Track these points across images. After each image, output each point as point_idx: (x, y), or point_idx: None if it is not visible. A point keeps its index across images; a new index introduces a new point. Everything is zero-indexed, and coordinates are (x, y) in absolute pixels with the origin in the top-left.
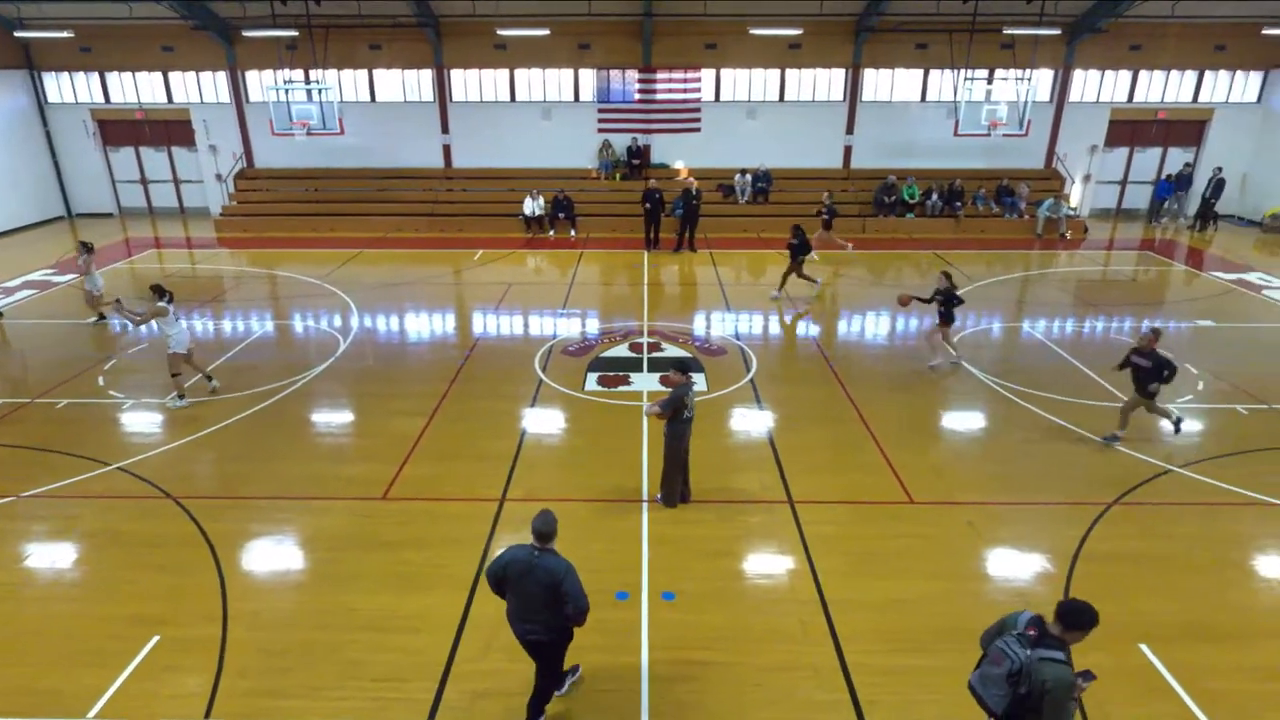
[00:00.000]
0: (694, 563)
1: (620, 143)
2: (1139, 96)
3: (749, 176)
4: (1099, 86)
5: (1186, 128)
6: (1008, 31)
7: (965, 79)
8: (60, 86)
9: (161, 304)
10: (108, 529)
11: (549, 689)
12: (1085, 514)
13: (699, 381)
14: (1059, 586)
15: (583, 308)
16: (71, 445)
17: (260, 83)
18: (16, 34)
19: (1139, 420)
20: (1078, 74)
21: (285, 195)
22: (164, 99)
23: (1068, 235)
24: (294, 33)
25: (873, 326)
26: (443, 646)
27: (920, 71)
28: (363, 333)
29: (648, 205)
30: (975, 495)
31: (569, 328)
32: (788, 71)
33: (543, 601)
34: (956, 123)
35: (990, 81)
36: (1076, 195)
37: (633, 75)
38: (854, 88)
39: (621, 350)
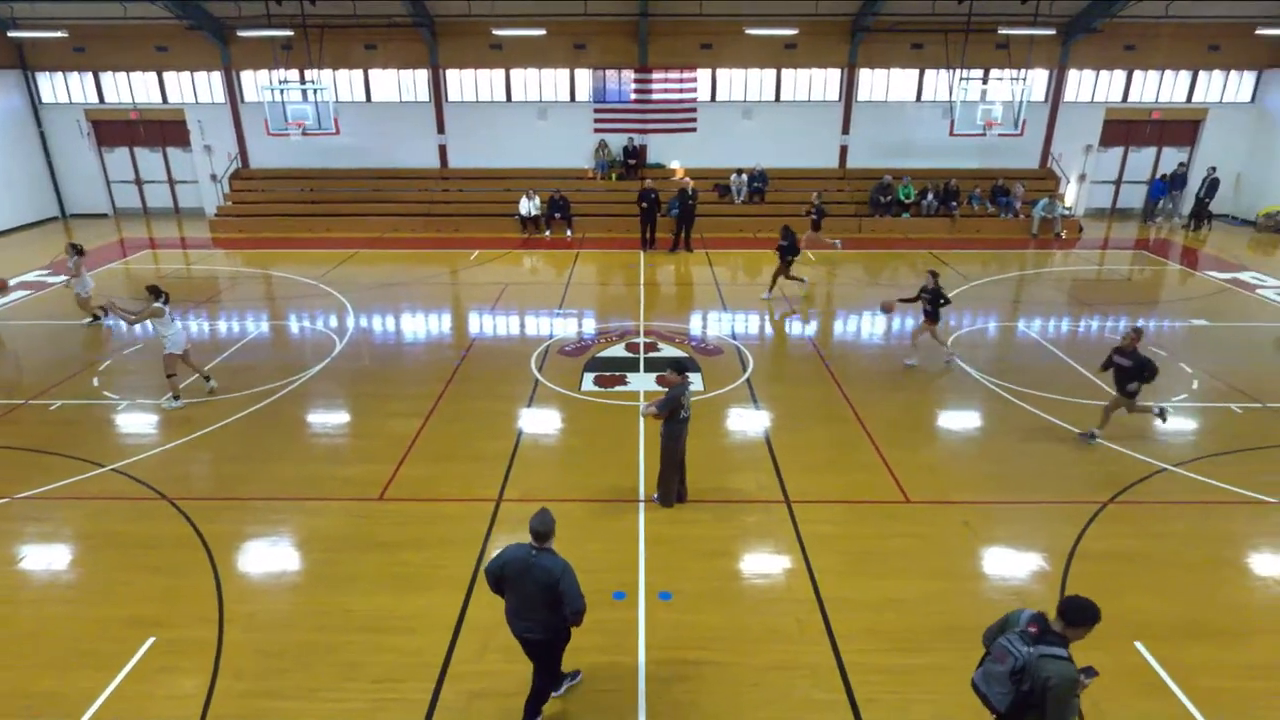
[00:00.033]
0: (691, 562)
1: (616, 143)
2: (1134, 96)
3: (745, 176)
4: (1094, 86)
5: (1181, 127)
6: (1003, 31)
7: (960, 79)
8: (54, 86)
9: (157, 304)
10: (103, 531)
11: (546, 689)
12: (1080, 513)
13: (695, 381)
14: (1054, 585)
15: (579, 308)
16: (66, 446)
17: (255, 83)
18: (10, 34)
19: (1134, 419)
20: (1072, 74)
21: (281, 195)
22: (158, 99)
23: (1063, 235)
24: (289, 32)
25: (868, 326)
26: (439, 647)
27: (916, 71)
28: (359, 333)
29: (644, 205)
30: (971, 494)
31: (565, 328)
32: (783, 71)
33: (540, 601)
34: (952, 122)
35: (985, 81)
36: (1071, 195)
37: (629, 75)
38: (849, 88)
39: (618, 350)
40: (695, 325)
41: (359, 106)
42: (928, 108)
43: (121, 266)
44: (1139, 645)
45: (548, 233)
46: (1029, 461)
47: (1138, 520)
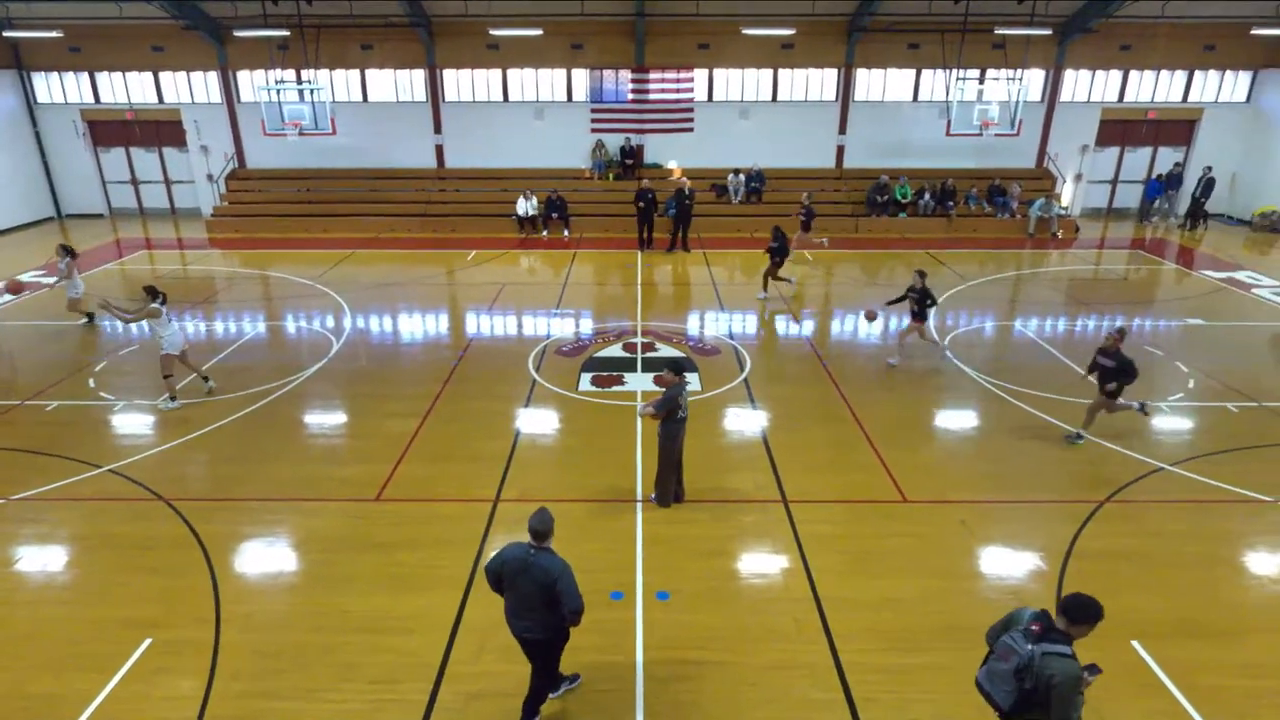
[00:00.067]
0: (688, 562)
1: (613, 143)
2: (1129, 96)
3: (742, 176)
4: (1090, 86)
5: (1176, 127)
6: (999, 31)
7: (957, 79)
8: (49, 86)
9: (155, 305)
10: (99, 532)
11: (544, 689)
12: (1077, 512)
13: (693, 381)
14: (1052, 584)
15: (576, 308)
16: (62, 448)
17: (252, 83)
18: (5, 34)
19: (1131, 419)
20: (1069, 74)
21: (277, 196)
22: (154, 99)
23: (1059, 234)
24: (285, 32)
25: (866, 326)
26: (437, 648)
27: (912, 71)
28: (356, 333)
29: (641, 205)
30: (968, 494)
31: (563, 328)
32: (780, 71)
33: (538, 600)
34: (948, 122)
35: (982, 81)
36: (1068, 195)
37: (626, 75)
38: (846, 87)
39: (615, 350)
40: (693, 325)
41: (356, 106)
42: (924, 108)
43: (117, 267)
44: (1136, 644)
45: (545, 233)
46: (1026, 461)
47: (1134, 519)
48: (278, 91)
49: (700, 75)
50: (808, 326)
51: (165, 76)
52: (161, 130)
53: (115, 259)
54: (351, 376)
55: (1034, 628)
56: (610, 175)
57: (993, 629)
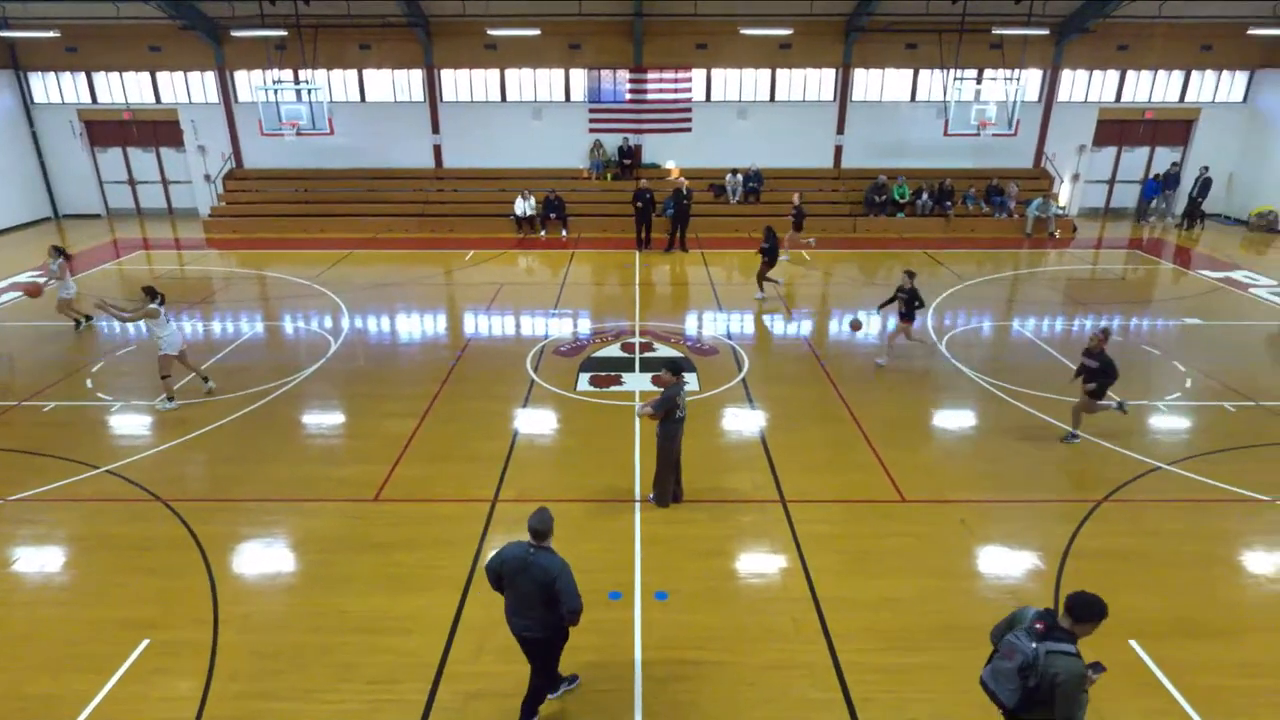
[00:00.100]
0: (687, 562)
1: (611, 143)
2: (1127, 96)
3: (740, 176)
4: (1087, 86)
5: (1174, 127)
6: (996, 32)
7: (954, 79)
8: (46, 86)
9: (153, 305)
10: (97, 532)
11: (543, 689)
12: (1075, 511)
13: (691, 381)
14: (1050, 584)
15: (574, 308)
16: (60, 448)
17: (249, 83)
18: (2, 34)
19: (1130, 419)
20: (1066, 74)
21: (275, 196)
22: (151, 99)
23: (1056, 234)
24: (283, 32)
25: (863, 326)
26: (435, 648)
27: (910, 71)
28: (353, 334)
29: (639, 205)
30: (967, 493)
31: (561, 328)
32: (778, 71)
33: (538, 599)
34: (946, 122)
35: (979, 81)
36: (1065, 194)
37: (624, 75)
38: (844, 87)
39: (613, 350)
40: (691, 325)
41: (353, 107)
42: (922, 108)
43: (115, 267)
44: (1134, 644)
45: (543, 233)
46: (1024, 460)
47: (1132, 518)
48: (275, 91)
49: (698, 75)
50: (805, 326)
51: (162, 76)
52: (159, 130)
53: (112, 259)
54: (349, 377)
55: (1038, 626)
56: (608, 175)
57: (997, 628)
